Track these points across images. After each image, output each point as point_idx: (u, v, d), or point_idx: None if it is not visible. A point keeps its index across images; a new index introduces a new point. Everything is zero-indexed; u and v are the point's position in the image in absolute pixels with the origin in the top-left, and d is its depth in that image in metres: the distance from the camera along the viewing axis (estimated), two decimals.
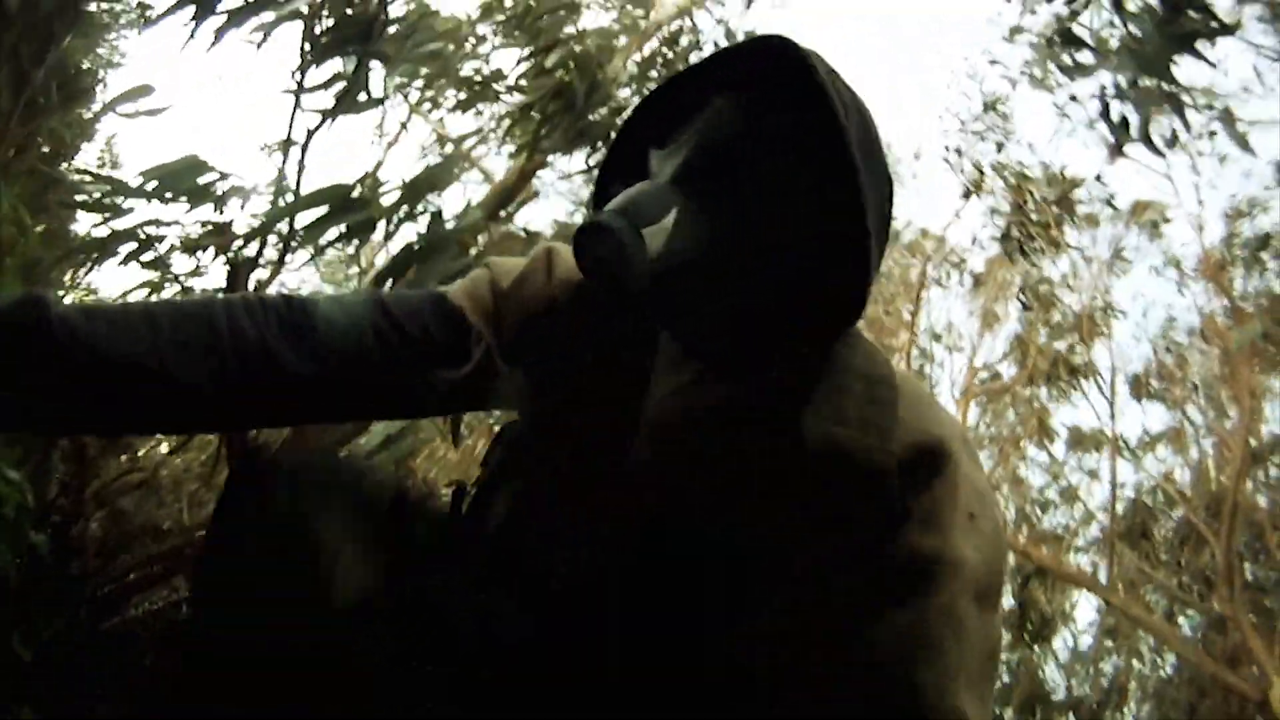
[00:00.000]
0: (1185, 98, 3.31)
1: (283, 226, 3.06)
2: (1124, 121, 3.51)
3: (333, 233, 2.75)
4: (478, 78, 4.97)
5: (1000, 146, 7.81)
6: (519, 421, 1.00)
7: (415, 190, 2.97)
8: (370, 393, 0.98)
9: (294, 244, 2.89)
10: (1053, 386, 10.03)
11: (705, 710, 0.82)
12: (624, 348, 0.94)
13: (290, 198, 3.11)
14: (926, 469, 0.85)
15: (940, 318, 11.57)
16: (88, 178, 3.74)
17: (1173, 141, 3.47)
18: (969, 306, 11.80)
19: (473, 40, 5.38)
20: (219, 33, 2.91)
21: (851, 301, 0.87)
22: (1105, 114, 3.52)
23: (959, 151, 8.34)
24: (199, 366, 0.89)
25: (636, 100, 5.21)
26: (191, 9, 2.90)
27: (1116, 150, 3.51)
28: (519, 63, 4.53)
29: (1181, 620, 10.90)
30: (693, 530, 0.84)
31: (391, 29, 3.91)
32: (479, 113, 5.54)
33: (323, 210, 2.75)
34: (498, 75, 5.14)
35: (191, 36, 2.89)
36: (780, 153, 0.86)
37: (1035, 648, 10.50)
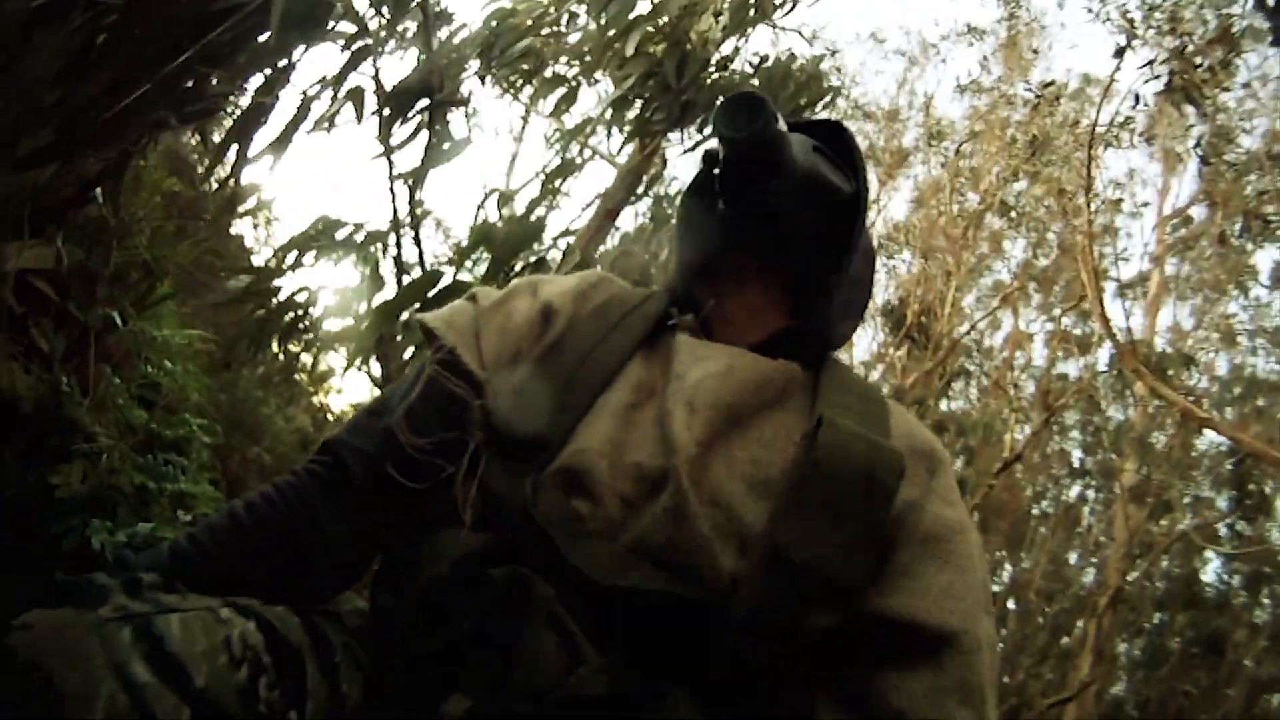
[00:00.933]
0: None
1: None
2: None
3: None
4: (573, 70, 4.85)
5: None
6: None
7: (506, 250, 2.96)
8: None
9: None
10: (1248, 230, 9.16)
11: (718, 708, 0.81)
12: (637, 343, 1.00)
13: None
14: (927, 465, 0.93)
15: (1118, 169, 10.72)
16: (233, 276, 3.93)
17: None
18: (1148, 152, 10.90)
19: (565, 18, 5.25)
20: (272, 162, 2.98)
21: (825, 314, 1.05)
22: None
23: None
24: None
25: (736, 50, 4.86)
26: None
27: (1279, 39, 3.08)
28: (605, 50, 4.37)
29: None
30: (727, 499, 0.87)
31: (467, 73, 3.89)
32: (591, 81, 5.39)
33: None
34: (591, 66, 5.00)
35: (234, 175, 2.98)
36: (823, 186, 1.03)
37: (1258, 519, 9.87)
